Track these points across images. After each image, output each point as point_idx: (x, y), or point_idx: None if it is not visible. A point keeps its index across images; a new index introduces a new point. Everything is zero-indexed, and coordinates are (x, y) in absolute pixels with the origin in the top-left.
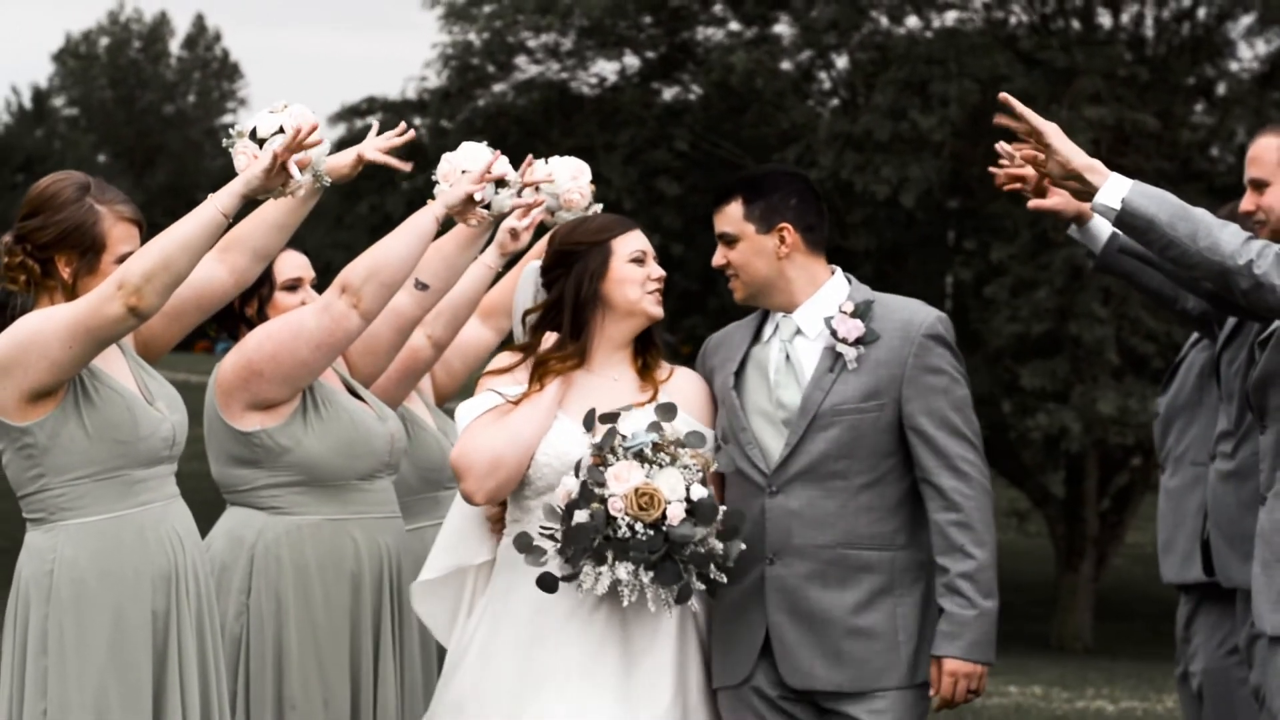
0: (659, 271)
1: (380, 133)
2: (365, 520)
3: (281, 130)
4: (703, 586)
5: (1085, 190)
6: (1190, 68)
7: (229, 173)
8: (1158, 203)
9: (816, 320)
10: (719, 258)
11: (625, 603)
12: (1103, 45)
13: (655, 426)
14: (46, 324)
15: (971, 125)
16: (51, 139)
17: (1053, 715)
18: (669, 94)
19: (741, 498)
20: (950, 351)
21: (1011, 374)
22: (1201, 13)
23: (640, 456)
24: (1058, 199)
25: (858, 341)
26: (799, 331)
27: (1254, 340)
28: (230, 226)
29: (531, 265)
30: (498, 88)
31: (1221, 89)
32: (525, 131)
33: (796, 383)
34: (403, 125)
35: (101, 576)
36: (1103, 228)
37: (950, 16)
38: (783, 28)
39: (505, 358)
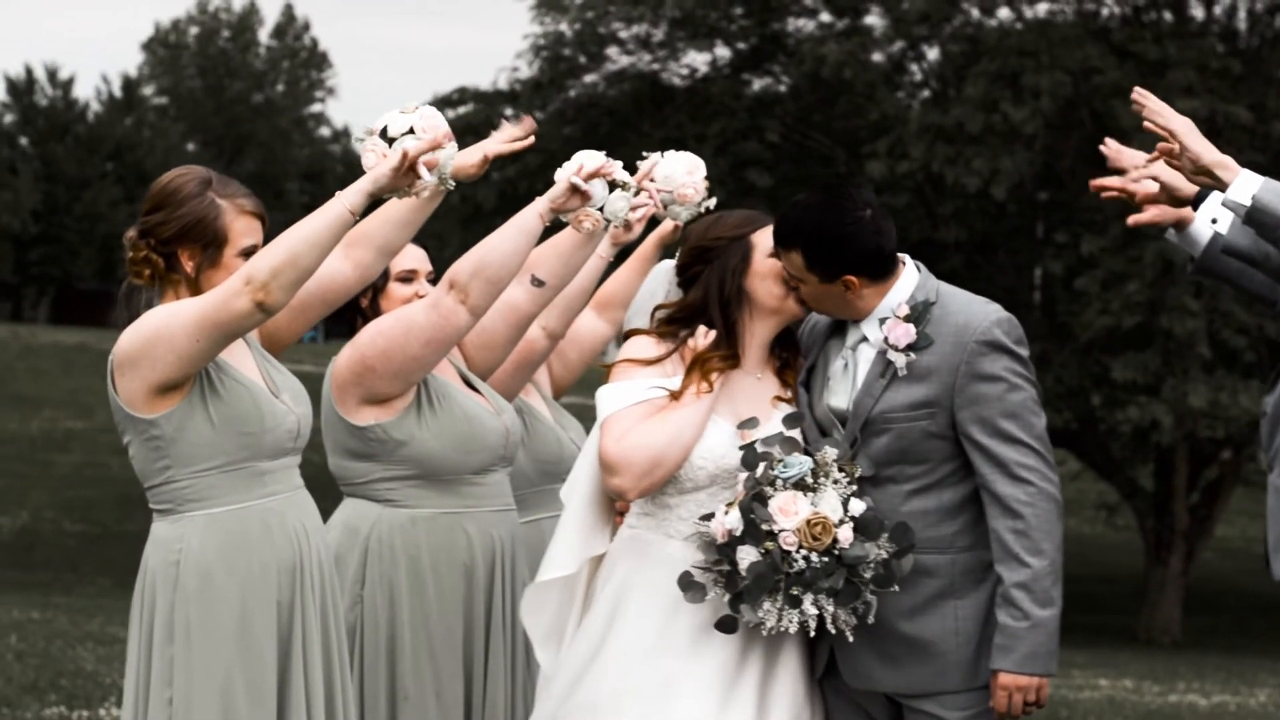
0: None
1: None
2: (479, 513)
3: (411, 131)
4: (874, 598)
5: (1217, 186)
6: None
7: (316, 162)
8: None
9: (878, 326)
10: (789, 279)
11: (812, 634)
12: (1195, 37)
13: (789, 442)
14: (174, 318)
15: (1063, 117)
16: (141, 128)
17: (1146, 709)
18: (759, 85)
19: None
20: (1008, 355)
21: (1102, 367)
22: None
23: (801, 485)
24: (1154, 212)
25: (909, 348)
26: (864, 339)
27: None
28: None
29: (665, 263)
30: (589, 78)
31: None
32: (616, 122)
33: (850, 389)
34: (528, 120)
35: (228, 567)
36: (1203, 232)
37: (1042, 8)
38: (874, 19)
39: (647, 346)
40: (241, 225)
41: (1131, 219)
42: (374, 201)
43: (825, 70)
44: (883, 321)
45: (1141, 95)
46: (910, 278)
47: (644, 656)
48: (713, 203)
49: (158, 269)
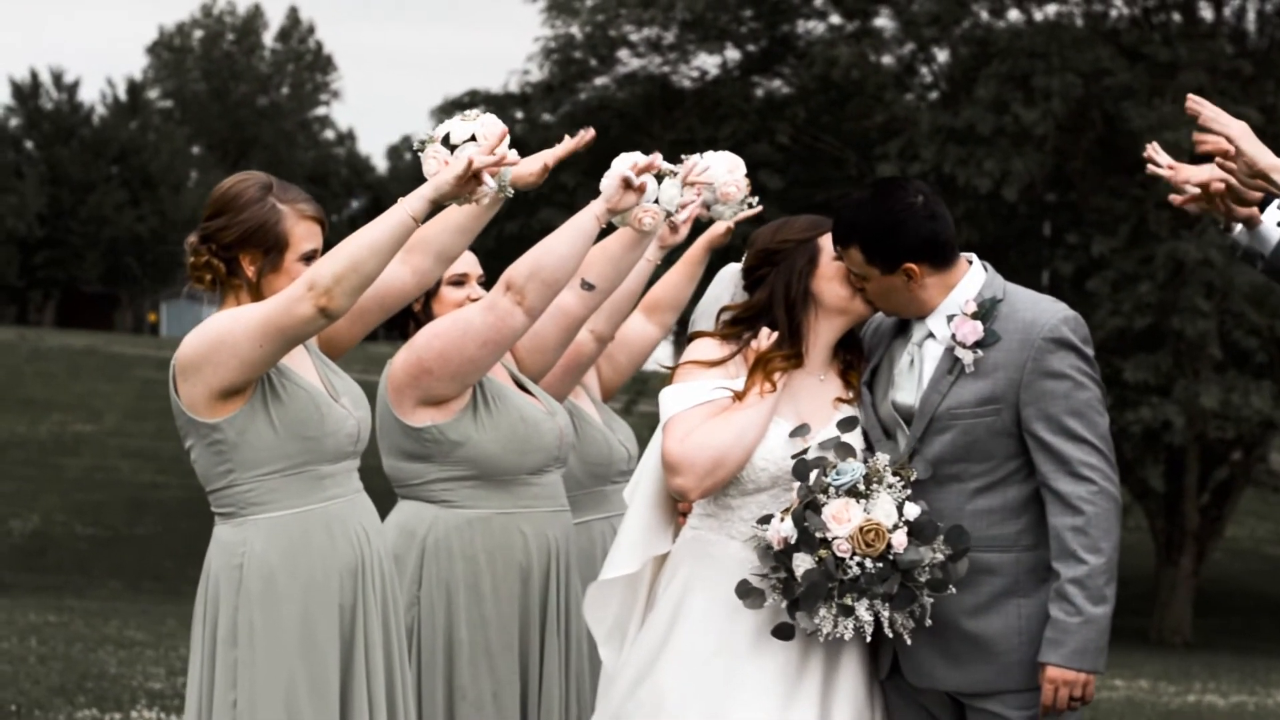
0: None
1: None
2: (534, 514)
3: (474, 138)
4: (931, 600)
5: (1272, 190)
6: None
7: (320, 165)
8: None
9: (944, 323)
10: (853, 278)
11: (868, 639)
12: (1205, 39)
13: (843, 447)
14: (236, 323)
15: (1074, 119)
16: (146, 131)
17: (1166, 710)
18: (770, 87)
19: None
20: (1075, 353)
21: (1113, 368)
22: None
23: (853, 492)
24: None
25: (976, 345)
26: (930, 335)
27: None
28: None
29: (731, 267)
30: (599, 81)
31: None
32: (626, 125)
33: (916, 385)
34: (589, 130)
35: (290, 571)
36: (1273, 230)
37: (1051, 10)
38: (884, 21)
39: (711, 348)
40: (302, 230)
41: (1216, 187)
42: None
43: (835, 72)
44: (950, 319)
45: (1196, 101)
46: (977, 275)
47: (707, 656)
48: (755, 200)
49: (219, 274)
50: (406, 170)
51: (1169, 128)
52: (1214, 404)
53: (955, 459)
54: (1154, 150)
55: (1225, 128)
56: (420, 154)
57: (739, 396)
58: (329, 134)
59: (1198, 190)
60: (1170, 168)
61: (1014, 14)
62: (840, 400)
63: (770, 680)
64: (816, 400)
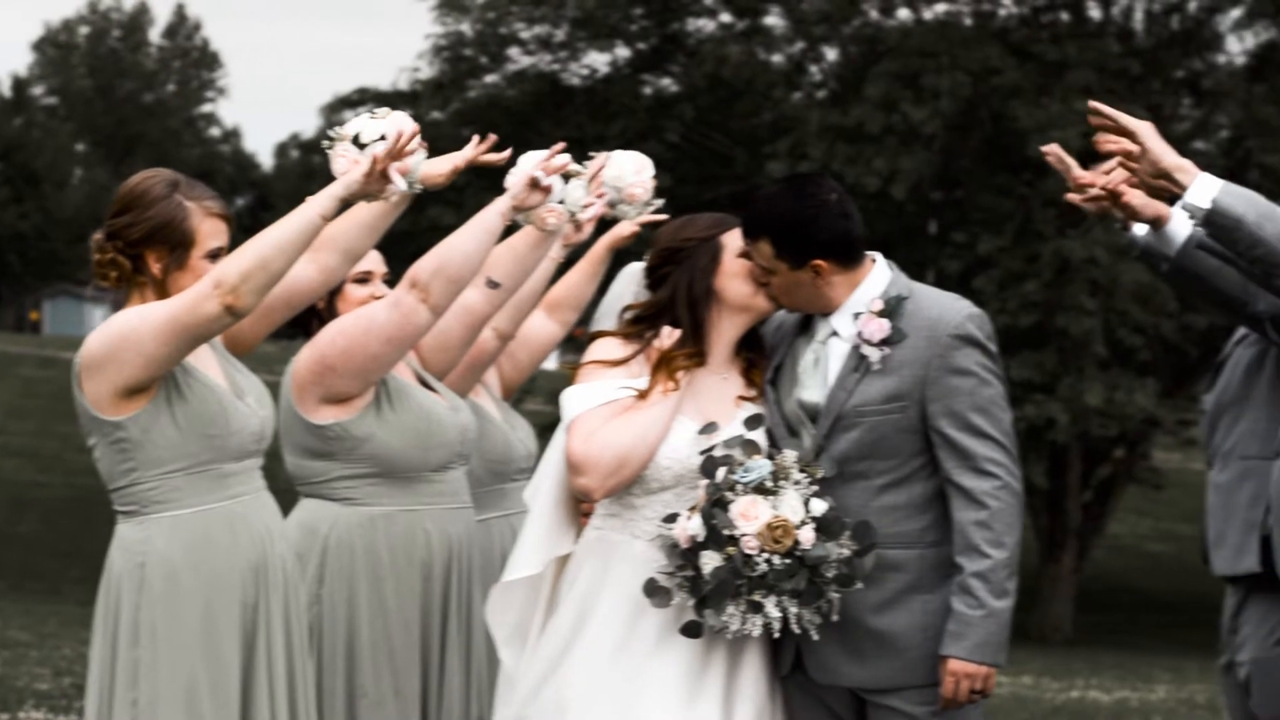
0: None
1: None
2: (437, 511)
3: (384, 137)
4: (837, 595)
5: (1174, 190)
6: (1180, 60)
7: (206, 162)
8: (1245, 202)
9: (850, 321)
10: (757, 272)
11: (776, 635)
12: (1093, 38)
13: (749, 445)
14: (142, 321)
15: (962, 117)
16: (30, 128)
17: (1051, 706)
18: (659, 85)
19: None
20: (980, 350)
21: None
22: (1192, 5)
23: (761, 489)
24: (1139, 199)
25: (883, 342)
26: (834, 333)
27: None
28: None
29: (633, 266)
30: (489, 79)
31: (1208, 82)
32: (516, 123)
33: (822, 384)
34: (493, 136)
35: (193, 569)
36: (1179, 231)
37: (940, 9)
38: (774, 19)
39: (613, 347)
40: (209, 227)
41: (1125, 196)
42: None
43: (725, 70)
44: (856, 316)
45: (1097, 106)
46: (881, 273)
47: (611, 657)
48: (660, 202)
49: (124, 271)
50: (292, 168)
51: (1056, 127)
52: (1098, 402)
53: (861, 456)
54: (1057, 151)
55: (1133, 125)
56: (330, 152)
57: (642, 395)
58: (215, 131)
59: (1101, 190)
60: (1070, 167)
61: (904, 13)
62: (743, 398)
63: (674, 680)
64: (720, 398)
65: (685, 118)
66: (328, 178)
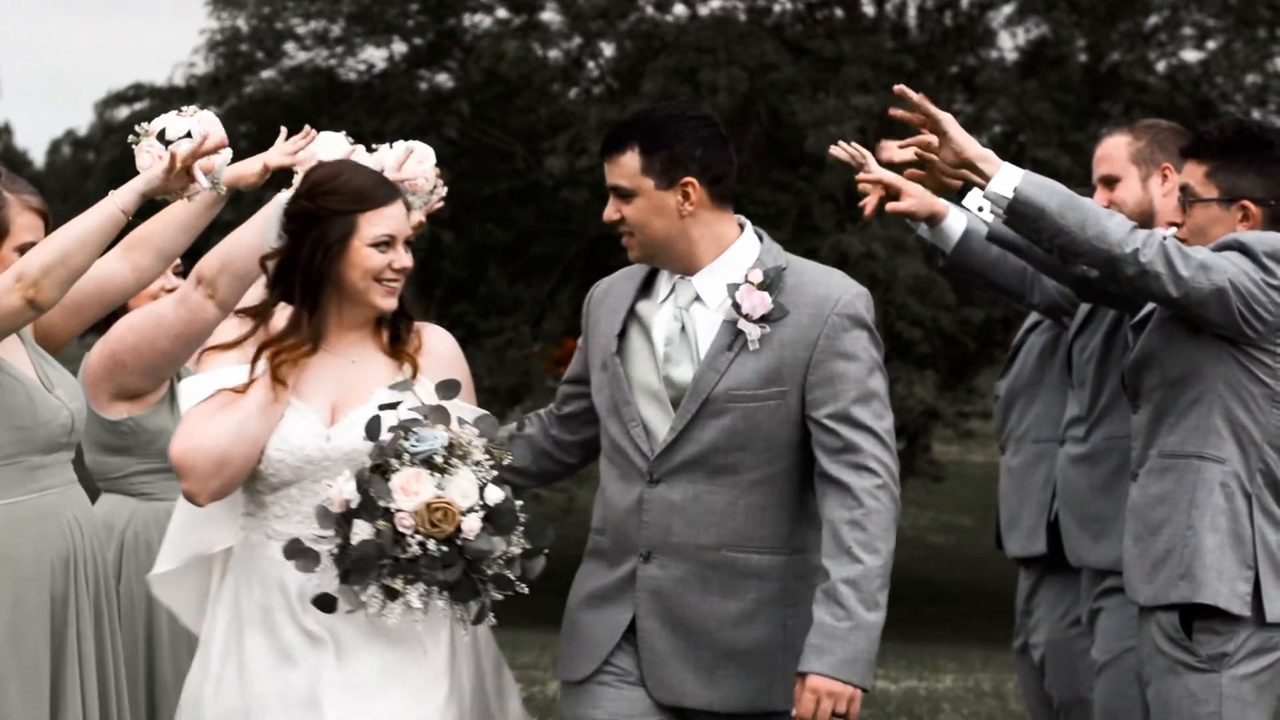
0: (404, 261)
1: (287, 138)
2: None
3: (189, 135)
4: (500, 598)
5: (977, 180)
6: (953, 56)
7: None
8: (1048, 192)
9: (719, 288)
10: (612, 211)
11: (419, 627)
12: (867, 34)
13: (437, 411)
14: None
15: (740, 113)
16: None
17: None
18: (436, 81)
19: (618, 481)
20: (868, 334)
21: None
22: (964, 2)
23: (430, 464)
24: (912, 201)
25: (763, 319)
26: (698, 298)
27: (1130, 324)
28: (132, 224)
29: (283, 195)
30: (266, 74)
31: (982, 78)
32: (293, 118)
33: (690, 359)
34: (307, 128)
35: (1, 562)
36: (955, 227)
37: (716, 4)
38: (550, 15)
39: (232, 326)
40: (24, 221)
41: (890, 205)
42: (151, 205)
43: (503, 66)
44: (735, 289)
45: (903, 91)
46: (751, 241)
47: (266, 666)
48: (444, 192)
49: None
50: (65, 165)
51: (833, 122)
52: None
53: (731, 448)
54: (848, 150)
55: (937, 114)
56: (135, 148)
57: (244, 388)
58: None
59: (882, 180)
60: (868, 160)
61: (680, 8)
62: (387, 383)
63: (345, 685)
64: (353, 384)
65: (463, 113)
66: (104, 174)
